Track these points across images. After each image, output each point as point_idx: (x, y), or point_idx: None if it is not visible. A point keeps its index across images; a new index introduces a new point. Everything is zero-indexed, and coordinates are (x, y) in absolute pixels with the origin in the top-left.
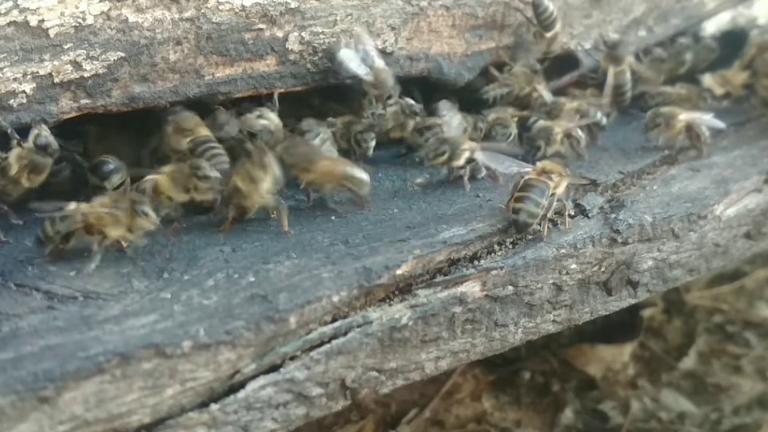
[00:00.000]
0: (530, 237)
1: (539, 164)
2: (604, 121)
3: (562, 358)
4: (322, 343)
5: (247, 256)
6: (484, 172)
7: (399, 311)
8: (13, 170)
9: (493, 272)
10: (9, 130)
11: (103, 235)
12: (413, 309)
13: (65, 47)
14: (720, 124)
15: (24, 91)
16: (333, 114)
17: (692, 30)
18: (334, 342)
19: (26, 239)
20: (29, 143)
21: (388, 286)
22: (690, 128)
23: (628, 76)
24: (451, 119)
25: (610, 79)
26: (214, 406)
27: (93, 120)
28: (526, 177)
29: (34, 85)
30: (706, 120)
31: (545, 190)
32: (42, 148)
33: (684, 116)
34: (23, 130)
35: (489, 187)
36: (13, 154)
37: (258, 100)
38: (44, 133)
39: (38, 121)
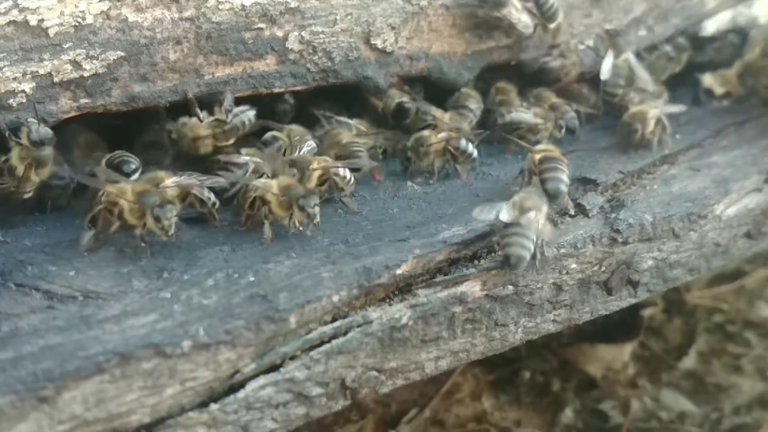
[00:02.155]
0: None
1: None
2: (576, 123)
3: (562, 357)
4: (322, 343)
5: (247, 255)
6: None
7: (399, 311)
8: (20, 171)
9: (493, 272)
10: (6, 133)
11: None
12: (413, 309)
13: (65, 47)
14: (681, 108)
15: (23, 91)
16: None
17: (692, 30)
18: (334, 342)
19: (26, 239)
20: (25, 141)
21: (388, 286)
22: (660, 121)
23: (624, 73)
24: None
25: (607, 65)
26: (214, 406)
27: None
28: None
29: (34, 84)
30: (667, 109)
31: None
32: (38, 143)
33: (654, 111)
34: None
35: (489, 186)
36: (14, 155)
37: None
38: (33, 128)
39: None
